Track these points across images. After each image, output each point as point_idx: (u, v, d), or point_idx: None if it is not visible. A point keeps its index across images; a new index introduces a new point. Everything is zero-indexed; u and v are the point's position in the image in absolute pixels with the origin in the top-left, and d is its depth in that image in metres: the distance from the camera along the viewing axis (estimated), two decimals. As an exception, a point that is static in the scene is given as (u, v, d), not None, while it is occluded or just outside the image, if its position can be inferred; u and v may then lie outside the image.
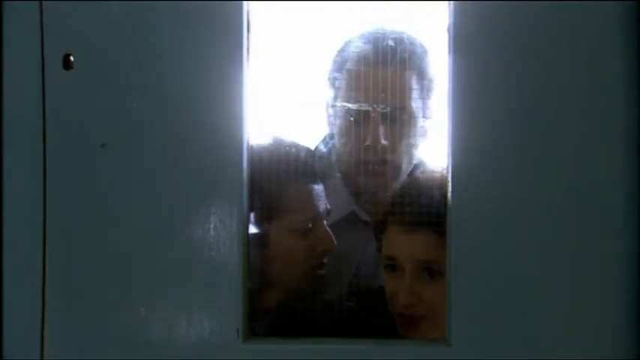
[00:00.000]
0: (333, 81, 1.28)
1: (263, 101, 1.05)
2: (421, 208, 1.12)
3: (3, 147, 0.95)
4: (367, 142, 1.22)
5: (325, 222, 1.22)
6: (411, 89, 1.24)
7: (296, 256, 1.19)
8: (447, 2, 0.96)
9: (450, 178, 0.96)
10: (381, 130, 1.21)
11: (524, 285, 0.95)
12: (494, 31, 0.95)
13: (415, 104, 1.24)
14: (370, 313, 1.12)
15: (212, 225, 0.96)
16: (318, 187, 1.21)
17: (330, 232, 1.21)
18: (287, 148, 1.20)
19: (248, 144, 0.98)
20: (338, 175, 1.24)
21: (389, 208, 1.19)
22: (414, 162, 1.28)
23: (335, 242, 1.21)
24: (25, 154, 0.96)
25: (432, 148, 1.26)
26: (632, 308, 0.94)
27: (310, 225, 1.20)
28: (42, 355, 0.95)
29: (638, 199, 0.94)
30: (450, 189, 0.96)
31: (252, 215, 1.10)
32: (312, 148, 1.28)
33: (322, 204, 1.22)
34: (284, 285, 1.18)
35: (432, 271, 1.12)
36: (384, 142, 1.21)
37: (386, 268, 1.18)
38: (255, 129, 0.99)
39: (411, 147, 1.26)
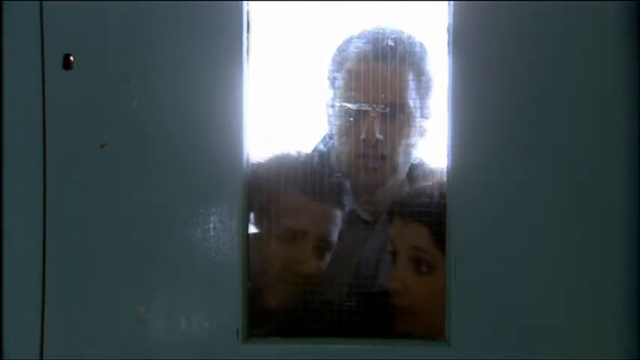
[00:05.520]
0: (332, 80, 1.28)
1: (263, 101, 1.05)
2: (421, 209, 1.13)
3: (3, 147, 0.95)
4: (363, 136, 1.22)
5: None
6: (409, 88, 1.24)
7: (293, 265, 1.19)
8: (446, 2, 0.96)
9: (449, 178, 0.96)
10: (377, 125, 1.21)
11: (523, 285, 0.95)
12: (494, 31, 0.95)
13: (414, 103, 1.25)
14: (370, 313, 1.12)
15: (212, 225, 0.96)
16: (331, 210, 1.21)
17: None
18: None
19: (248, 144, 0.98)
20: (338, 174, 1.24)
21: (393, 209, 1.20)
22: (413, 161, 1.28)
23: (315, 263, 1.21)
24: (25, 153, 0.96)
25: (432, 148, 1.26)
26: (632, 308, 0.94)
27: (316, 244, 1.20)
28: (42, 355, 0.95)
29: (639, 198, 0.94)
30: (449, 188, 0.96)
31: (252, 215, 1.10)
32: (312, 148, 1.28)
33: (330, 226, 1.22)
34: (281, 288, 1.18)
35: (423, 261, 1.13)
36: (378, 136, 1.21)
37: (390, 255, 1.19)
38: (255, 129, 0.99)
39: (408, 144, 1.26)
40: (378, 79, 1.18)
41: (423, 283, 1.13)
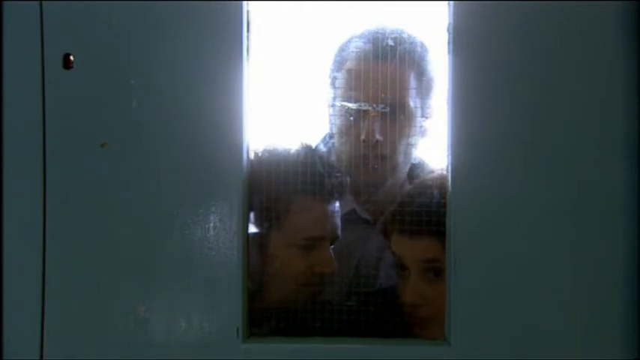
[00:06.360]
0: (333, 80, 1.28)
1: (263, 101, 1.05)
2: (421, 209, 1.12)
3: (3, 147, 0.95)
4: (362, 137, 1.22)
5: (332, 246, 1.22)
6: (410, 88, 1.24)
7: (293, 271, 1.19)
8: (446, 2, 0.96)
9: (449, 178, 0.96)
10: (377, 124, 1.21)
11: (523, 285, 0.95)
12: (495, 31, 0.95)
13: (414, 103, 1.25)
14: (370, 313, 1.12)
15: (212, 225, 0.96)
16: (330, 208, 1.21)
17: (332, 255, 1.21)
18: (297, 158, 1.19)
19: (248, 144, 0.98)
20: (338, 174, 1.24)
21: (393, 209, 1.20)
22: (414, 161, 1.28)
23: (336, 265, 1.20)
24: (25, 154, 0.96)
25: (432, 148, 1.27)
26: (632, 308, 0.94)
27: (312, 244, 1.19)
28: (42, 355, 0.95)
29: (638, 198, 0.94)
30: (449, 189, 0.96)
31: (252, 216, 1.10)
32: (312, 147, 1.28)
33: (331, 225, 1.21)
34: (281, 292, 1.18)
35: (437, 270, 1.12)
36: (378, 136, 1.21)
37: (397, 267, 1.19)
38: (255, 129, 0.99)
39: (409, 144, 1.26)
40: (378, 78, 1.18)
41: (439, 289, 1.11)
